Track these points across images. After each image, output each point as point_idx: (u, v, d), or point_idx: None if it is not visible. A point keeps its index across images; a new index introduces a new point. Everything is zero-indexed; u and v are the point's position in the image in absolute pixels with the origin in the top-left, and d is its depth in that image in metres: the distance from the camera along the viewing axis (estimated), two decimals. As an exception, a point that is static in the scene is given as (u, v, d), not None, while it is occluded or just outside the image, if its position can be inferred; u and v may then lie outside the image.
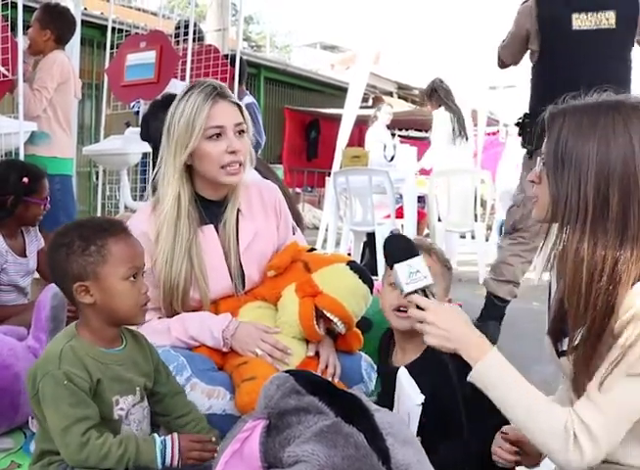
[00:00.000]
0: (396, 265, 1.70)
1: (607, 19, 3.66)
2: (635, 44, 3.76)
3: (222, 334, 2.15)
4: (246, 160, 2.24)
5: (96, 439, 1.65)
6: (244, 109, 2.25)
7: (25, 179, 3.13)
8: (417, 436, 1.72)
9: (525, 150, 4.05)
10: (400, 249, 1.75)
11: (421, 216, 6.57)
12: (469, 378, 1.59)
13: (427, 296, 1.68)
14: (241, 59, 5.59)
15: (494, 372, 1.56)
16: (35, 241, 3.32)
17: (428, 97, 7.22)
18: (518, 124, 4.05)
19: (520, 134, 4.07)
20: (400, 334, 2.08)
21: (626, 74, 3.76)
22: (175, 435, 1.77)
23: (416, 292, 1.67)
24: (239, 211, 2.32)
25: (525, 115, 4.01)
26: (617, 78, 3.60)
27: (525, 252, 3.92)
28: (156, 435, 1.76)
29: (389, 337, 2.18)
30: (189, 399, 1.99)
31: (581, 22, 3.70)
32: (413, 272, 1.68)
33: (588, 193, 1.45)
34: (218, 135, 2.17)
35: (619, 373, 1.43)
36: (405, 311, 1.89)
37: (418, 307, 1.66)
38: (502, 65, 4.26)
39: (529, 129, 3.88)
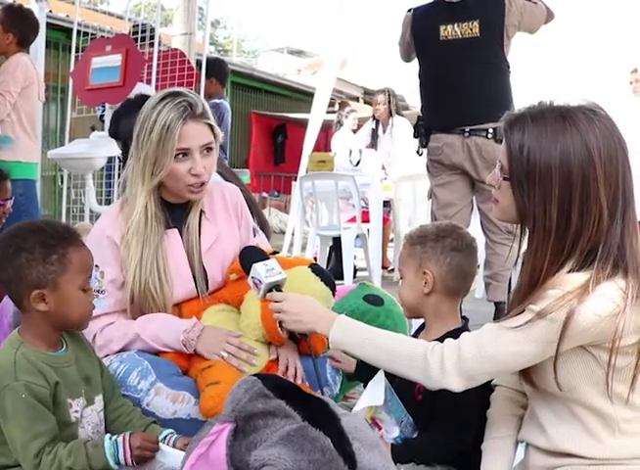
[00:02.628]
0: (255, 264, 2.00)
1: (471, 28, 3.84)
2: (505, 49, 3.90)
3: (187, 335, 2.14)
4: (211, 175, 2.24)
5: (47, 454, 1.65)
6: (215, 127, 2.23)
7: None
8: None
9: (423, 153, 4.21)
10: (257, 254, 2.10)
11: (384, 221, 6.57)
12: (331, 346, 1.82)
13: (281, 291, 1.98)
14: (223, 61, 5.59)
15: (346, 332, 1.79)
16: None
17: (388, 102, 7.23)
18: (414, 127, 4.24)
19: (415, 136, 4.21)
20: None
21: (501, 78, 3.91)
22: (126, 435, 1.76)
23: (273, 288, 1.98)
24: (202, 213, 2.33)
25: (419, 117, 4.19)
26: (489, 84, 3.82)
27: None
28: (107, 436, 1.75)
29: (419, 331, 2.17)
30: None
31: (447, 33, 3.90)
32: (269, 269, 2.00)
33: (552, 212, 1.55)
34: (184, 154, 2.16)
35: (512, 323, 1.57)
36: None
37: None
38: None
39: (423, 131, 4.09)
